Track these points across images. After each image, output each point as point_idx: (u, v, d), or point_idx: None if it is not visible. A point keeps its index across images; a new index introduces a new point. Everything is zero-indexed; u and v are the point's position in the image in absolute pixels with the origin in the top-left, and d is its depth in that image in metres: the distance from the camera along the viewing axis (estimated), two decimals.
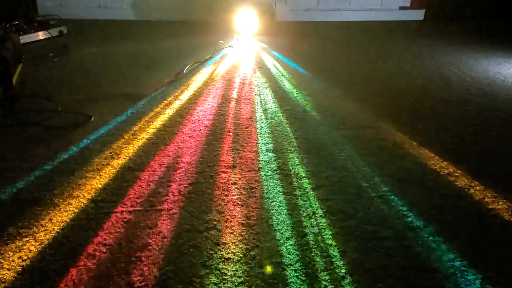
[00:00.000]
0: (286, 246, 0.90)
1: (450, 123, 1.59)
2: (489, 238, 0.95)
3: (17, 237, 0.90)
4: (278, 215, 1.00)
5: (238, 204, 1.04)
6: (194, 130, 1.45)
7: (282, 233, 0.94)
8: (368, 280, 0.82)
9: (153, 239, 0.91)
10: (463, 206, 1.07)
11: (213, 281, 0.80)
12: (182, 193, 1.08)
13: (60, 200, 1.03)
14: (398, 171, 1.22)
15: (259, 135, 1.42)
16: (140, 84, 1.92)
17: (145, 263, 0.84)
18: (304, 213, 1.01)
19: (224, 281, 0.80)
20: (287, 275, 0.82)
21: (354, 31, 3.48)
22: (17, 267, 0.82)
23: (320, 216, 1.00)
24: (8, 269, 0.81)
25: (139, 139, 1.37)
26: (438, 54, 2.67)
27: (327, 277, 0.82)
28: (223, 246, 0.90)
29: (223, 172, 1.19)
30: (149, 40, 2.87)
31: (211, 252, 0.88)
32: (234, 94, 1.82)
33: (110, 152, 1.27)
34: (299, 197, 1.08)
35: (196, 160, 1.25)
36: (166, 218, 0.98)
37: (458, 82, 2.09)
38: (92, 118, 1.51)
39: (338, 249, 0.90)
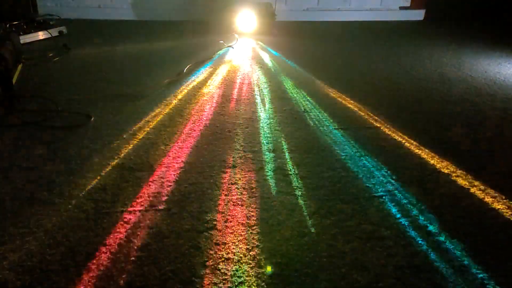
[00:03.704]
0: (286, 246, 0.90)
1: (450, 123, 1.59)
2: (489, 238, 0.95)
3: (17, 237, 0.90)
4: (278, 215, 1.00)
5: (238, 204, 1.04)
6: (194, 130, 1.45)
7: (282, 233, 0.94)
8: (368, 280, 0.82)
9: (153, 239, 0.91)
10: (463, 206, 1.07)
11: (213, 281, 0.80)
12: (182, 193, 1.08)
13: (60, 200, 1.03)
14: (397, 171, 1.22)
15: (259, 135, 1.42)
16: (140, 84, 1.92)
17: (145, 263, 0.84)
18: (304, 213, 1.01)
19: (224, 281, 0.80)
20: (287, 275, 0.82)
21: (354, 31, 3.48)
22: (17, 267, 0.82)
23: (320, 216, 1.01)
24: (8, 269, 0.81)
25: (139, 139, 1.37)
26: (438, 54, 2.67)
27: (327, 277, 0.82)
28: (223, 246, 0.90)
29: (223, 172, 1.19)
30: (149, 40, 2.87)
31: (211, 252, 0.88)
32: (234, 94, 1.82)
33: (110, 152, 1.27)
34: (299, 197, 1.08)
35: (196, 160, 1.25)
36: (166, 218, 0.98)
37: (458, 82, 2.09)
38: (92, 118, 1.51)
39: (338, 249, 0.90)
